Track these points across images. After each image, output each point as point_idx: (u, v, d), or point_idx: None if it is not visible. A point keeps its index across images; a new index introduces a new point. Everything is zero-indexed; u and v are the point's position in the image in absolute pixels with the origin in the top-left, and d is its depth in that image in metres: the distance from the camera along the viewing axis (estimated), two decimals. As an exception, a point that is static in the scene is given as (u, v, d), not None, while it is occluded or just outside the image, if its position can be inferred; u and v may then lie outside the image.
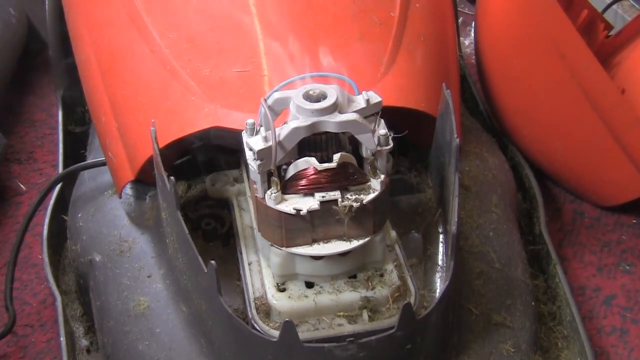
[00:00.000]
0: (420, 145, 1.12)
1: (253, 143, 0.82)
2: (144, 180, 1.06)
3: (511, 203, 1.17)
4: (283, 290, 0.89)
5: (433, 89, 1.06)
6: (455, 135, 0.93)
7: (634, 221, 1.31)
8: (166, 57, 1.05)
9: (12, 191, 1.40)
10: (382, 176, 0.85)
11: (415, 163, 1.13)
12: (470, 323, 0.96)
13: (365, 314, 0.88)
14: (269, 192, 0.84)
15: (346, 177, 0.84)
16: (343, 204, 0.83)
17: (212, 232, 1.03)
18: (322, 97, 0.83)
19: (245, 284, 0.92)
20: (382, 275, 0.90)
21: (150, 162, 0.97)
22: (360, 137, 0.84)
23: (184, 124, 1.00)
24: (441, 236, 1.03)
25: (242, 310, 0.93)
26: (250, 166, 0.83)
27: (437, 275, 0.99)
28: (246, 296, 0.91)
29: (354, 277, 0.90)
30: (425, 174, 1.12)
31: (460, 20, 1.61)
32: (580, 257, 1.25)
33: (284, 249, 0.87)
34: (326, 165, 0.83)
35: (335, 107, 0.83)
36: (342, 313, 0.88)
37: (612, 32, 1.43)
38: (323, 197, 0.83)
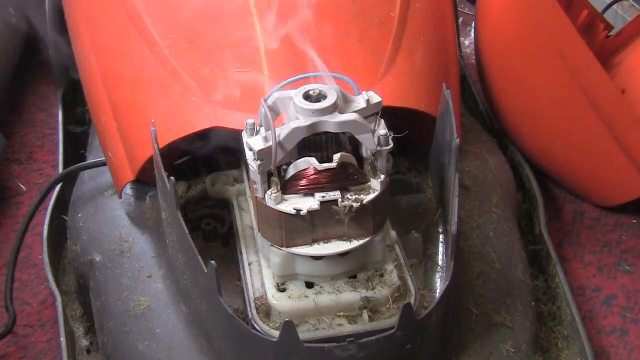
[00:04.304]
0: (420, 145, 1.12)
1: (253, 143, 0.82)
2: (144, 180, 1.06)
3: (511, 203, 1.17)
4: (283, 290, 0.89)
5: (433, 89, 1.06)
6: (455, 135, 0.94)
7: (634, 221, 1.31)
8: (166, 57, 1.05)
9: (12, 191, 1.40)
10: (382, 176, 0.85)
11: (415, 163, 1.13)
12: (470, 323, 0.96)
13: (365, 314, 0.88)
14: (269, 192, 0.84)
15: (346, 177, 0.84)
16: (343, 204, 0.83)
17: (212, 232, 1.03)
18: (322, 97, 0.83)
19: (245, 284, 0.92)
20: (382, 275, 0.90)
21: (150, 162, 0.97)
22: (360, 137, 0.84)
23: (184, 124, 1.00)
24: (441, 236, 1.03)
25: (242, 310, 0.93)
26: (250, 166, 0.83)
27: (437, 275, 0.99)
28: (246, 296, 0.91)
29: (354, 277, 0.90)
30: (425, 174, 1.12)
31: (460, 20, 1.61)
32: (580, 257, 1.25)
33: (284, 249, 0.87)
34: (326, 165, 0.83)
35: (335, 107, 0.83)
36: (342, 313, 0.88)
37: (612, 32, 1.43)
38: (323, 197, 0.83)
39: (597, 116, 1.19)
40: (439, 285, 0.98)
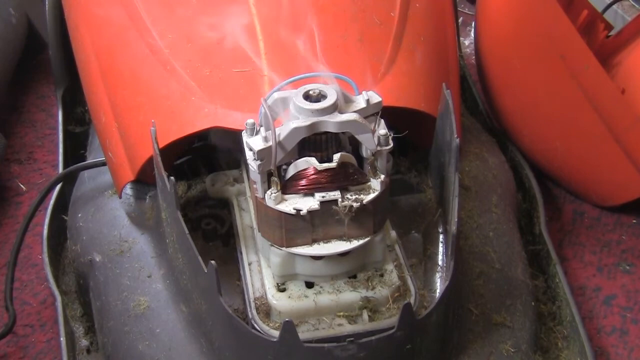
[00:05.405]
0: (420, 145, 1.12)
1: (253, 143, 0.82)
2: (144, 180, 1.06)
3: (511, 203, 1.17)
4: (283, 290, 0.89)
5: (433, 89, 1.06)
6: (455, 135, 0.94)
7: (634, 221, 1.31)
8: (166, 57, 1.05)
9: (12, 191, 1.40)
10: (382, 176, 0.85)
11: (415, 163, 1.13)
12: (470, 323, 0.96)
13: (365, 314, 0.88)
14: (269, 192, 0.84)
15: (346, 177, 0.84)
16: (343, 204, 0.83)
17: (212, 232, 1.03)
18: (322, 97, 0.83)
19: (245, 284, 0.92)
20: (382, 275, 0.90)
21: (150, 162, 0.97)
22: (360, 137, 0.84)
23: (184, 124, 1.00)
24: (441, 236, 1.03)
25: (242, 310, 0.93)
26: (250, 166, 0.83)
27: (437, 275, 0.99)
28: (246, 296, 0.91)
29: (354, 277, 0.90)
30: (425, 174, 1.12)
31: (460, 20, 1.61)
32: (580, 257, 1.25)
33: (284, 249, 0.87)
34: (326, 165, 0.83)
35: (335, 107, 0.83)
36: (342, 313, 0.88)
37: (612, 32, 1.43)
38: (323, 197, 0.83)
39: (597, 116, 1.19)
40: (439, 285, 0.98)
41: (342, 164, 0.84)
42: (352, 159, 0.85)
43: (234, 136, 0.98)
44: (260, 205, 0.85)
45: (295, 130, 0.82)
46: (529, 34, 1.23)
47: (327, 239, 0.86)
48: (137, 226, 1.06)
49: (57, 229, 1.21)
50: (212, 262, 0.81)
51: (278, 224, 0.85)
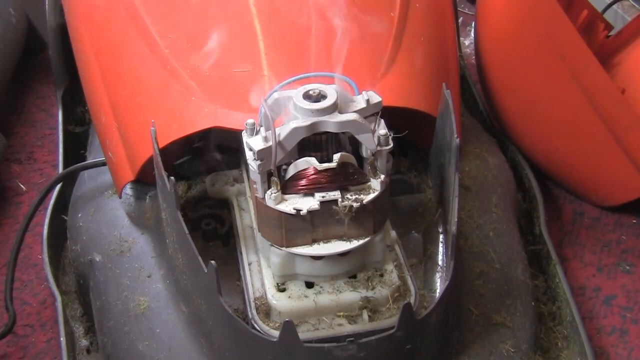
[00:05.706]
0: (420, 145, 1.12)
1: (253, 143, 0.82)
2: (144, 180, 1.06)
3: (511, 203, 1.17)
4: (283, 290, 0.89)
5: (433, 89, 1.06)
6: (455, 135, 0.94)
7: (634, 221, 1.31)
8: (166, 57, 1.05)
9: (12, 191, 1.40)
10: (382, 176, 0.85)
11: (415, 163, 1.13)
12: (470, 323, 0.96)
13: (365, 314, 0.88)
14: (269, 192, 0.84)
15: (346, 177, 0.84)
16: (343, 204, 0.83)
17: (212, 232, 1.03)
18: (321, 97, 0.83)
19: (245, 284, 0.92)
20: (382, 275, 0.90)
21: (150, 162, 0.97)
22: (360, 137, 0.84)
23: (184, 124, 1.00)
24: (441, 236, 1.03)
25: (242, 310, 0.93)
26: (250, 166, 0.83)
27: (437, 275, 0.99)
28: (246, 296, 0.91)
29: (354, 277, 0.90)
30: (425, 174, 1.12)
31: (460, 20, 1.61)
32: (580, 257, 1.25)
33: (284, 249, 0.87)
34: (326, 165, 0.83)
35: (335, 107, 0.83)
36: (342, 313, 0.88)
37: (612, 32, 1.43)
38: (323, 197, 0.83)
39: (597, 116, 1.19)
40: (439, 285, 0.98)
41: (342, 164, 0.84)
42: (352, 159, 0.85)
43: (234, 136, 0.98)
44: (260, 205, 0.85)
45: (295, 130, 0.82)
46: (529, 34, 1.23)
47: (327, 239, 0.86)
48: (137, 226, 1.06)
49: (57, 229, 1.21)
50: (212, 262, 0.81)
51: (278, 224, 0.85)
